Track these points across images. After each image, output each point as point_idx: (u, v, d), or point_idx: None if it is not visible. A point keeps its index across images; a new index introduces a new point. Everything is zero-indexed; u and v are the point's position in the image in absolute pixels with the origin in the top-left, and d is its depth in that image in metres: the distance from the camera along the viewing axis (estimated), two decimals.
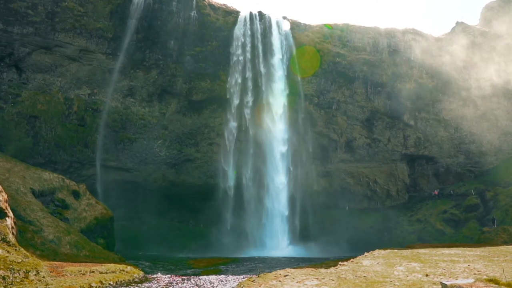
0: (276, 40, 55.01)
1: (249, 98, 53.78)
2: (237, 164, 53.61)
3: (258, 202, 52.75)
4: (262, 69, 54.13)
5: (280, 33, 55.55)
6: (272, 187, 52.97)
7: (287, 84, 54.77)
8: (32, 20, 45.00)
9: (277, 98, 54.26)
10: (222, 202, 52.24)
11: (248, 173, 53.38)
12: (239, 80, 53.29)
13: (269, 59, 54.52)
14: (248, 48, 53.76)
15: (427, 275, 19.02)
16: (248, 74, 53.66)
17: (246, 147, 53.79)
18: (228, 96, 53.21)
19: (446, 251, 29.37)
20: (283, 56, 54.98)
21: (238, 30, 53.87)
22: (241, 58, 53.55)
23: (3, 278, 18.05)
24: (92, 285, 20.65)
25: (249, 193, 52.93)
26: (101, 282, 21.58)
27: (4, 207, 23.94)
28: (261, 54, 54.30)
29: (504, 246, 33.65)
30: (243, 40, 53.75)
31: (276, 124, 54.01)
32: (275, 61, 54.57)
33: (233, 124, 53.55)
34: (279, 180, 53.12)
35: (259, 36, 54.54)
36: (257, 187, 53.09)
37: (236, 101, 53.35)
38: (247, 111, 53.82)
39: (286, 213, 52.63)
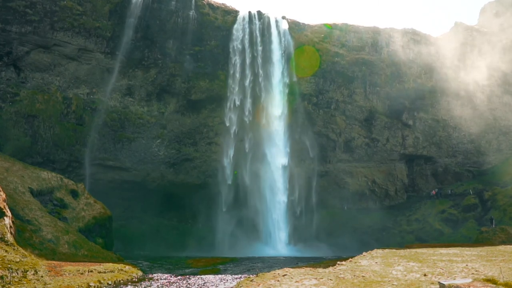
0: (275, 40, 54.98)
1: (248, 98, 53.77)
2: (236, 163, 53.62)
3: (257, 202, 52.73)
4: (261, 68, 54.11)
5: (279, 33, 55.50)
6: (270, 186, 52.99)
7: (286, 83, 54.79)
8: (31, 19, 44.88)
9: (276, 98, 54.25)
10: (221, 202, 52.27)
11: (247, 172, 53.37)
12: (238, 80, 53.27)
13: (268, 58, 54.49)
14: (247, 47, 53.74)
15: (425, 275, 19.05)
16: (247, 73, 53.65)
17: (245, 147, 53.81)
18: (227, 96, 53.20)
19: (444, 251, 29.43)
20: (282, 55, 54.92)
21: (237, 30, 53.82)
22: (240, 57, 53.54)
23: (1, 277, 18.05)
24: (90, 284, 20.63)
25: (248, 193, 52.89)
26: (99, 281, 21.57)
27: (2, 207, 23.90)
28: (260, 54, 54.27)
29: (502, 246, 33.74)
30: (242, 39, 53.72)
31: (275, 124, 54.01)
32: (274, 61, 54.55)
33: (232, 123, 53.54)
34: (278, 180, 53.15)
35: (258, 35, 54.50)
36: (256, 187, 53.09)
37: (235, 101, 53.35)
38: (246, 111, 53.83)
39: (285, 212, 52.68)
